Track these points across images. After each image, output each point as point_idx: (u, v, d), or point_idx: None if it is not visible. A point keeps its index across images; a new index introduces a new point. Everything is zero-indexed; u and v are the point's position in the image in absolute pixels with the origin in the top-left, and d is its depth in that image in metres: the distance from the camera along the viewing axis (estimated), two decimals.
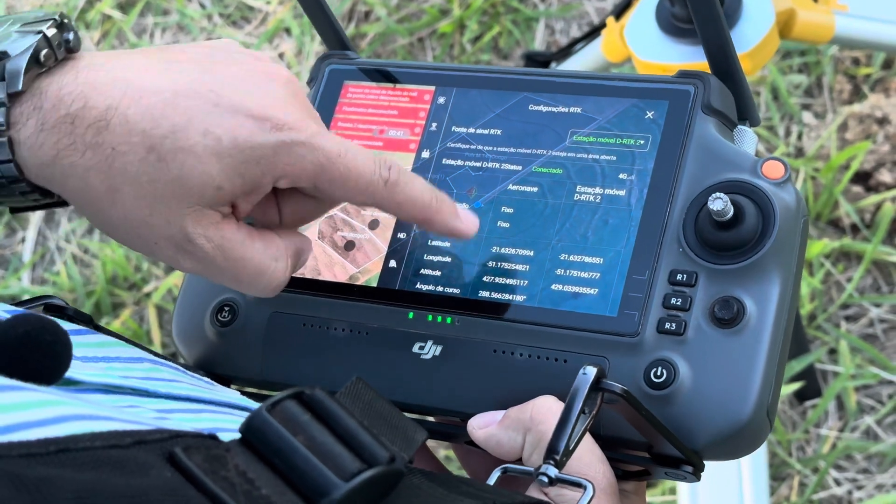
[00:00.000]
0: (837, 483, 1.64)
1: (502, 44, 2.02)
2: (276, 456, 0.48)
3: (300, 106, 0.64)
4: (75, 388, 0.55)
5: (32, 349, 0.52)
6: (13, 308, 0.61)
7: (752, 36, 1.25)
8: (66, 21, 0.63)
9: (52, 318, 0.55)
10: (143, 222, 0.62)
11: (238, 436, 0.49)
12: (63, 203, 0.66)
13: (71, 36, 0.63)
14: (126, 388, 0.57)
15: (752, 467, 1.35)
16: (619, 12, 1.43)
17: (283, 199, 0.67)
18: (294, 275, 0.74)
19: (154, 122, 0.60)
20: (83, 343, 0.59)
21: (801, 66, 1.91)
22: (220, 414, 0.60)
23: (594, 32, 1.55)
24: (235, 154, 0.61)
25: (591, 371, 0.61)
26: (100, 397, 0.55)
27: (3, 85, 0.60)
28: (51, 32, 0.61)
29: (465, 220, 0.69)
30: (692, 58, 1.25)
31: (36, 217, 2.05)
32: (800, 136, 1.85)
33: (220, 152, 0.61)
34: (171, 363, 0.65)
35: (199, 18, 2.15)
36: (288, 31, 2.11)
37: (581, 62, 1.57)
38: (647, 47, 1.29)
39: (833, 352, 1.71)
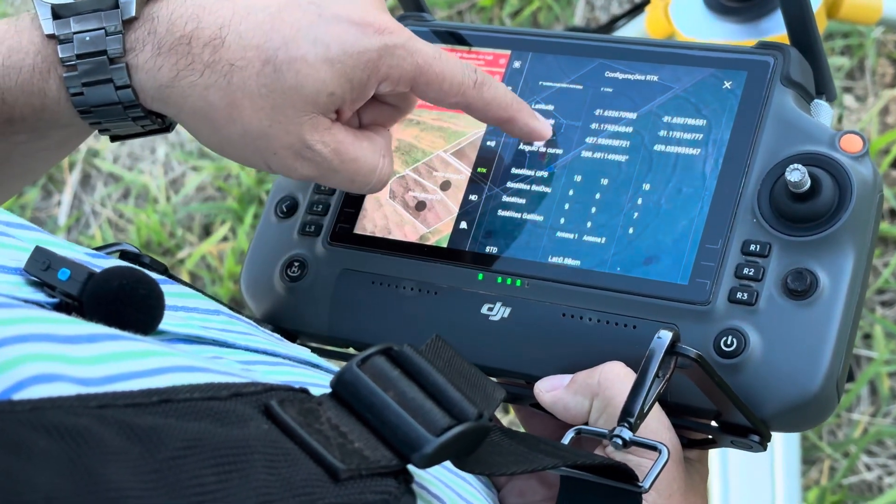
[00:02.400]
0: (868, 468, 1.63)
1: (542, 18, 2.01)
2: (367, 410, 0.48)
3: (388, 12, 0.67)
4: (161, 337, 0.55)
5: (127, 303, 0.52)
6: (94, 252, 0.61)
7: None
8: None
9: (134, 267, 0.55)
10: (262, 133, 0.64)
11: (326, 390, 0.50)
12: (166, 129, 0.68)
13: None
14: (207, 339, 0.57)
15: (784, 450, 1.35)
16: None
17: (363, 108, 0.70)
18: (364, 233, 0.75)
19: (266, 36, 0.63)
20: (165, 292, 0.60)
21: (844, 49, 1.90)
22: (296, 368, 0.61)
23: (638, 8, 1.55)
24: (344, 59, 0.64)
25: (667, 335, 0.61)
26: (185, 347, 0.56)
27: (118, 13, 0.63)
28: None
29: (543, 121, 0.73)
30: (737, 36, 1.24)
31: (72, 180, 2.05)
32: (840, 119, 1.85)
33: (330, 58, 0.64)
34: (243, 318, 0.65)
35: None
36: None
37: None
38: (692, 25, 1.29)
39: (868, 337, 1.70)
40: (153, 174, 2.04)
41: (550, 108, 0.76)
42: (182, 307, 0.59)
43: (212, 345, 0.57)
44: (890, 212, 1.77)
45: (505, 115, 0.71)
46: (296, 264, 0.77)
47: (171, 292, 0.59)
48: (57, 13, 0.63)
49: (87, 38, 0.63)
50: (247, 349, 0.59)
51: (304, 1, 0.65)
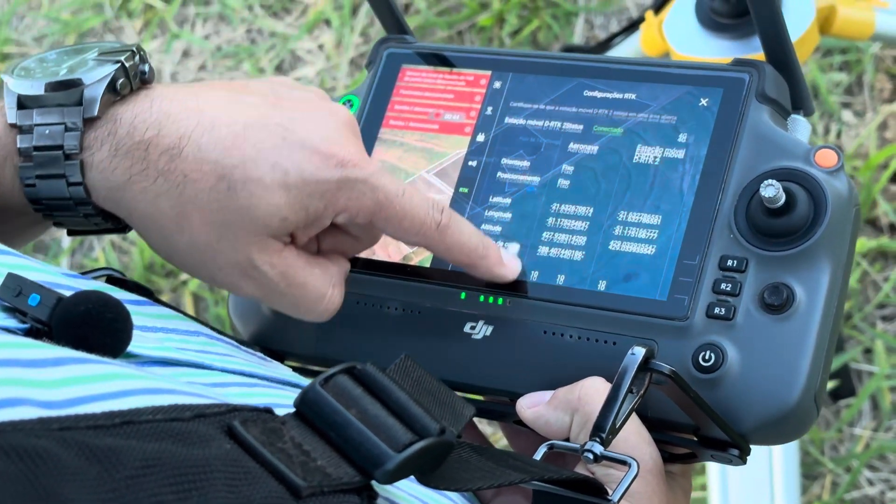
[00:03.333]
0: (870, 483, 1.63)
1: (541, 38, 2.02)
2: (330, 428, 0.49)
3: (360, 144, 0.67)
4: (134, 360, 0.56)
5: (94, 326, 0.53)
6: (75, 274, 0.62)
7: (792, 31, 1.24)
8: (142, 53, 0.65)
9: (115, 291, 0.56)
10: (209, 248, 0.64)
11: (292, 410, 0.50)
12: (121, 229, 0.67)
13: (146, 68, 0.65)
14: (183, 362, 0.58)
15: (783, 464, 1.35)
16: (658, 6, 1.43)
17: (323, 235, 0.69)
18: None
19: (225, 153, 0.63)
20: (142, 313, 0.60)
21: (842, 65, 1.91)
22: (273, 389, 0.61)
23: (633, 26, 1.56)
24: (302, 187, 0.63)
25: (640, 351, 0.61)
26: (158, 370, 0.56)
27: (80, 110, 0.62)
28: (129, 63, 0.64)
29: (510, 265, 0.72)
30: (731, 52, 1.25)
31: None
32: (839, 135, 1.85)
33: (287, 184, 0.63)
34: (226, 338, 0.66)
35: (241, 9, 2.16)
36: (328, 22, 2.12)
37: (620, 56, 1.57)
38: (686, 42, 1.29)
39: (868, 351, 1.70)
40: None
41: (525, 121, 0.77)
42: (161, 328, 0.60)
43: (187, 367, 0.58)
44: (890, 226, 1.77)
45: (467, 260, 0.70)
46: None
47: (151, 313, 0.60)
48: (22, 103, 0.63)
49: (47, 132, 0.62)
50: (223, 370, 0.59)
51: (273, 122, 0.64)
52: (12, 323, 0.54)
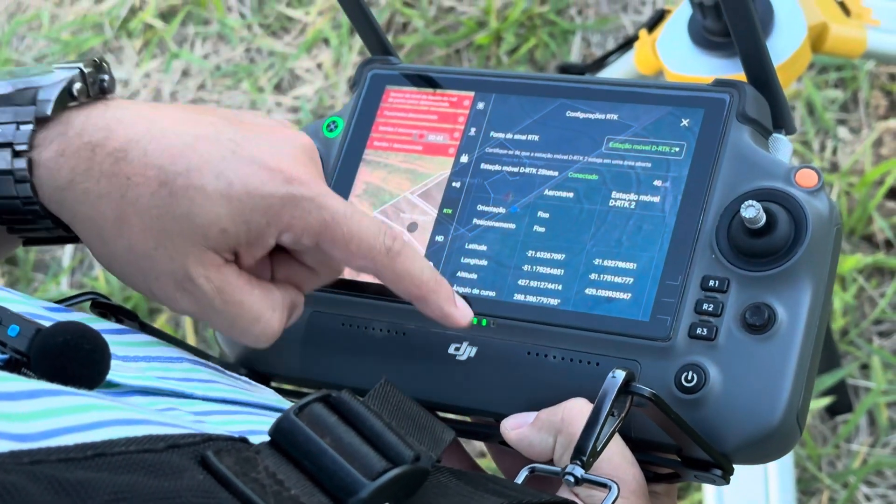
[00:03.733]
0: (868, 499, 1.63)
1: (538, 56, 2.03)
2: (304, 457, 0.49)
3: (314, 168, 0.66)
4: (115, 390, 0.56)
5: (71, 358, 0.53)
6: (58, 307, 0.62)
7: (784, 49, 1.26)
8: (104, 65, 0.65)
9: (96, 321, 0.56)
10: (146, 255, 0.63)
11: (268, 438, 0.50)
12: (72, 239, 0.67)
13: (106, 77, 0.65)
14: (164, 391, 0.58)
15: (779, 481, 1.35)
16: (652, 25, 1.44)
17: (277, 263, 0.68)
18: None
19: (172, 160, 0.62)
20: (123, 342, 0.61)
21: (837, 82, 1.91)
22: (255, 416, 0.62)
23: (627, 45, 1.56)
24: (245, 199, 0.62)
25: (620, 374, 0.62)
26: (138, 399, 0.57)
27: (33, 110, 0.62)
28: (87, 70, 0.64)
29: (461, 308, 0.70)
30: (723, 70, 1.25)
31: None
32: (835, 151, 1.86)
33: (229, 195, 0.62)
34: (210, 363, 0.66)
35: (240, 28, 2.17)
36: (326, 41, 2.13)
37: (614, 74, 1.58)
38: (679, 60, 1.30)
39: (865, 367, 1.71)
40: None
41: (512, 150, 0.77)
42: (143, 357, 0.60)
43: (168, 396, 0.58)
44: (886, 242, 1.77)
45: (417, 292, 0.68)
46: None
47: (132, 342, 0.60)
48: None
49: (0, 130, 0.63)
50: (205, 399, 0.60)
51: (225, 137, 0.64)
52: None
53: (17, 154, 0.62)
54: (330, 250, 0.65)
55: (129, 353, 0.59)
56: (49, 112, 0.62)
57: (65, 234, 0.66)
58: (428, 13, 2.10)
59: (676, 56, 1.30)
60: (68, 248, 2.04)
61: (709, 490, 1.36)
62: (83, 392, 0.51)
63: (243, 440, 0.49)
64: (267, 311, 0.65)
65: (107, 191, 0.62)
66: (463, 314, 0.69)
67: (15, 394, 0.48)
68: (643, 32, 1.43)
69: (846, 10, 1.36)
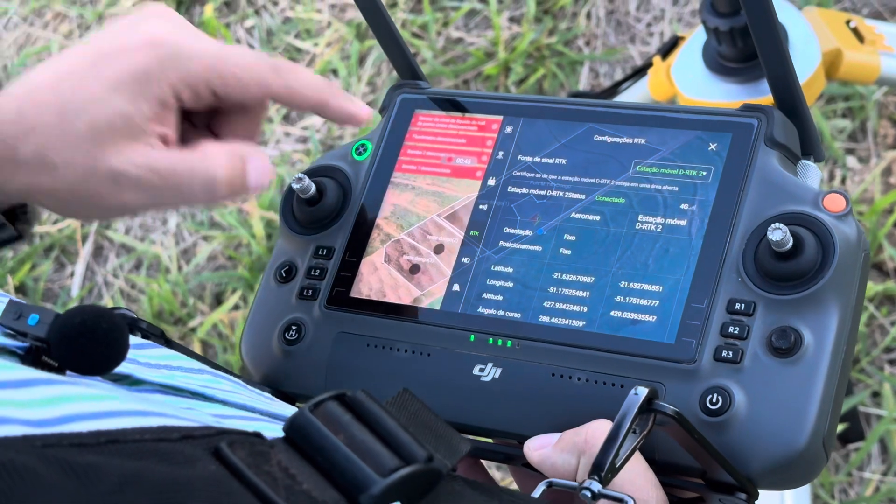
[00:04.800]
0: None
1: (547, 86, 2.03)
2: (317, 453, 0.49)
3: (176, 23, 0.70)
4: (138, 387, 0.56)
5: (90, 338, 0.53)
6: None
7: (798, 75, 1.26)
8: None
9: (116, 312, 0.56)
10: (80, 182, 0.66)
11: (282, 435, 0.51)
12: (18, 238, 0.71)
13: None
14: (185, 390, 0.58)
15: None
16: (666, 52, 1.45)
17: (215, 128, 0.72)
18: (360, 297, 0.76)
19: (57, 94, 0.66)
20: (148, 355, 0.61)
21: (846, 111, 1.92)
22: (274, 424, 0.62)
23: (641, 71, 1.57)
24: (128, 80, 0.66)
25: (643, 392, 0.62)
26: (160, 397, 0.57)
27: None
28: None
29: (358, 103, 0.73)
30: (738, 96, 1.26)
31: (85, 251, 2.07)
32: (843, 181, 1.86)
33: (115, 86, 0.66)
34: (232, 377, 0.66)
35: None
36: (335, 72, 2.13)
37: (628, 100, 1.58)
38: (694, 86, 1.30)
39: (876, 395, 1.70)
40: (164, 244, 2.06)
41: (539, 174, 0.78)
42: (165, 366, 0.61)
43: (190, 397, 0.58)
44: (895, 271, 1.77)
45: (316, 97, 0.71)
46: (293, 328, 0.78)
47: (157, 355, 0.61)
48: None
49: None
50: (225, 403, 0.60)
51: (89, 49, 0.68)
52: (11, 342, 0.55)
53: None
54: (224, 91, 0.69)
55: (150, 362, 0.59)
56: None
57: (12, 234, 0.71)
58: (436, 44, 2.11)
59: (691, 82, 1.31)
60: (77, 278, 2.05)
61: None
62: (100, 383, 0.51)
63: (257, 435, 0.49)
64: (198, 159, 0.68)
65: (25, 151, 0.66)
66: (361, 107, 0.73)
67: (30, 381, 0.48)
68: (657, 59, 1.43)
69: (860, 37, 1.37)
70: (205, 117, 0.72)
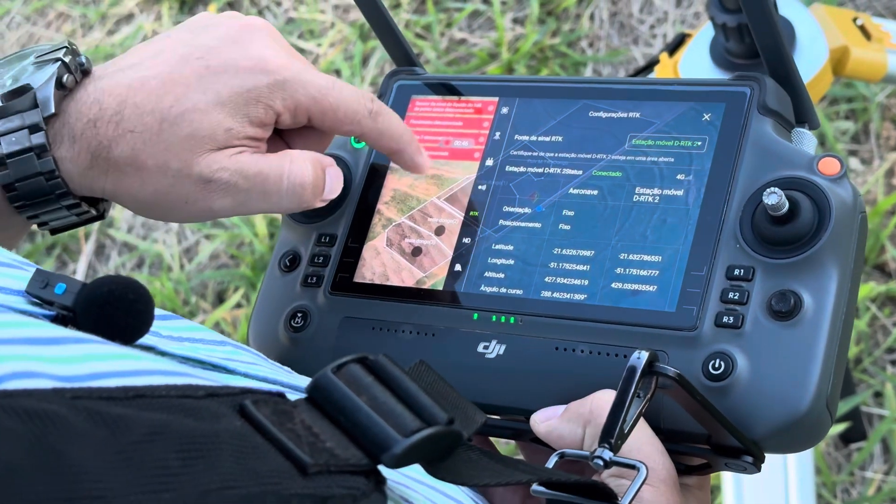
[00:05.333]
0: None
1: None
2: (339, 413, 0.49)
3: (282, 48, 0.72)
4: (168, 359, 0.57)
5: (116, 307, 0.54)
6: None
7: (805, 71, 1.26)
8: (74, 47, 0.70)
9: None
10: (169, 187, 0.69)
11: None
12: (100, 216, 0.72)
13: (84, 59, 0.70)
14: (208, 362, 0.58)
15: (799, 485, 1.34)
16: (673, 49, 1.45)
17: (290, 139, 0.75)
18: (363, 281, 0.77)
19: (159, 99, 0.68)
20: (170, 326, 0.61)
21: (848, 113, 1.92)
22: (296, 395, 0.62)
23: (648, 68, 1.57)
24: (236, 99, 0.69)
25: (644, 355, 0.62)
26: (184, 367, 0.57)
27: (38, 111, 0.67)
28: (67, 59, 0.69)
29: (426, 158, 0.78)
30: None
31: (87, 250, 2.07)
32: None
33: (221, 102, 0.69)
34: (252, 350, 0.67)
35: None
36: (338, 72, 2.14)
37: None
38: None
39: (878, 395, 1.70)
40: (167, 243, 2.06)
41: (536, 152, 0.78)
42: (188, 338, 0.61)
43: (212, 370, 0.58)
44: None
45: (396, 146, 0.76)
46: (299, 315, 0.79)
47: (179, 326, 0.61)
48: None
49: (13, 139, 0.67)
50: (247, 376, 0.60)
51: (193, 57, 0.70)
52: (38, 310, 0.55)
53: (39, 156, 0.67)
54: (321, 122, 0.73)
55: (173, 335, 0.60)
56: (53, 109, 0.67)
57: (95, 215, 0.72)
58: (440, 45, 2.11)
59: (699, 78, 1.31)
60: (79, 276, 2.05)
61: (727, 483, 1.34)
62: (128, 348, 0.52)
63: (280, 395, 0.50)
64: (287, 164, 0.71)
65: (120, 153, 0.68)
66: (427, 163, 0.78)
67: (60, 339, 0.48)
68: (664, 56, 1.43)
69: (867, 34, 1.37)
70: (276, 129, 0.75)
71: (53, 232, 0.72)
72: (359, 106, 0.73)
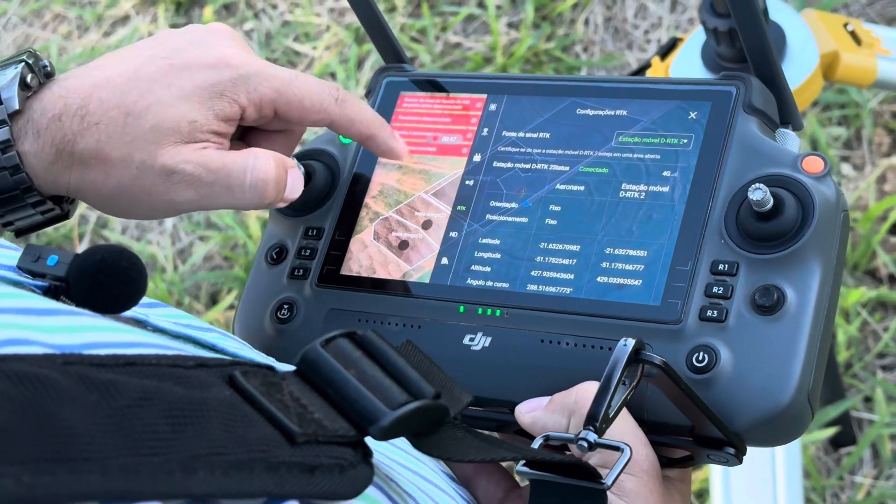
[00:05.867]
0: None
1: None
2: (328, 386, 0.50)
3: (243, 48, 0.74)
4: (159, 335, 0.57)
5: (109, 275, 0.54)
6: None
7: (796, 76, 1.27)
8: (37, 53, 0.72)
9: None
10: (133, 179, 0.70)
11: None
12: (65, 216, 0.73)
13: (47, 63, 0.71)
14: (200, 341, 0.59)
15: (787, 479, 1.35)
16: (665, 52, 1.45)
17: (254, 142, 0.76)
18: (350, 274, 0.77)
19: (124, 94, 0.70)
20: (158, 313, 0.62)
21: (841, 119, 1.93)
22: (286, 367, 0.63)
23: (639, 72, 1.58)
24: (200, 93, 0.71)
25: (631, 342, 0.62)
26: (176, 343, 0.58)
27: (2, 108, 0.69)
28: (30, 60, 0.70)
29: (400, 142, 0.79)
30: None
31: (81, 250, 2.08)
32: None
33: (185, 96, 0.70)
34: (238, 339, 0.67)
35: None
36: (333, 75, 2.14)
37: None
38: None
39: (868, 400, 1.71)
40: (161, 244, 2.06)
41: (524, 148, 0.79)
42: (174, 322, 0.61)
43: (204, 349, 0.59)
44: (889, 277, 1.78)
45: (367, 131, 0.77)
46: (285, 307, 0.79)
47: (169, 313, 0.62)
48: None
49: None
50: (235, 356, 0.60)
51: (158, 57, 0.71)
52: (30, 282, 0.55)
53: (3, 151, 0.68)
54: (287, 114, 0.74)
55: (161, 321, 0.60)
56: (17, 106, 0.68)
57: (59, 213, 0.73)
58: (434, 48, 2.12)
59: None
60: None
61: (716, 487, 1.34)
62: (120, 322, 0.52)
63: (269, 367, 0.50)
64: (251, 160, 0.72)
65: (85, 146, 0.69)
66: (402, 146, 0.79)
67: (52, 310, 0.49)
68: (656, 60, 1.44)
69: (857, 40, 1.38)
70: (241, 130, 0.76)
71: (19, 234, 0.73)
72: (324, 94, 0.74)
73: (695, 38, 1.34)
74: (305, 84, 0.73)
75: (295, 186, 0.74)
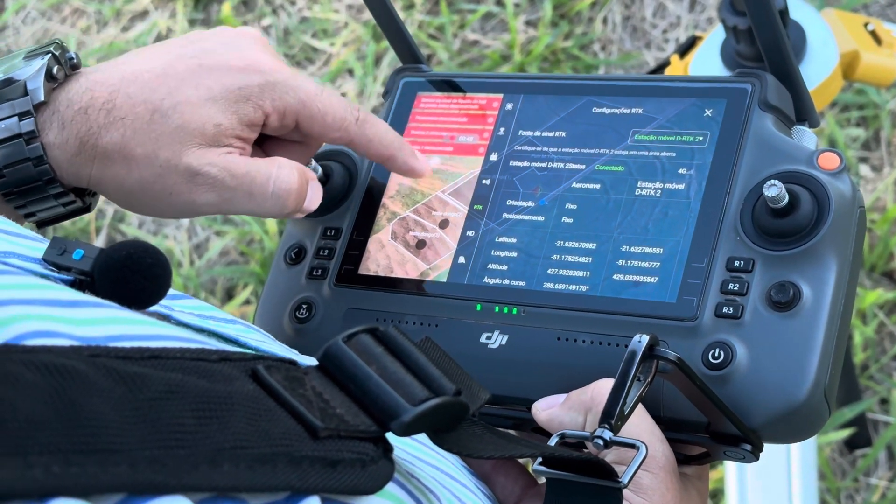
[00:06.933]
0: None
1: None
2: (350, 381, 0.50)
3: (273, 55, 0.74)
4: (183, 329, 0.57)
5: (134, 270, 0.55)
6: None
7: (816, 75, 1.27)
8: (64, 44, 0.72)
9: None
10: (156, 177, 0.70)
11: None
12: (86, 209, 0.73)
13: (73, 55, 0.71)
14: (221, 335, 0.59)
15: (802, 479, 1.34)
16: (684, 51, 1.45)
17: (271, 150, 0.76)
18: (368, 273, 0.78)
19: (152, 90, 0.70)
20: (182, 305, 0.62)
21: (859, 120, 1.93)
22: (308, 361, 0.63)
23: (658, 70, 1.58)
24: (227, 96, 0.71)
25: (645, 338, 0.62)
26: (199, 336, 0.58)
27: (28, 100, 0.69)
28: (57, 52, 0.70)
29: (422, 160, 0.78)
30: None
31: (98, 245, 2.08)
32: None
33: (213, 97, 0.70)
34: (262, 330, 0.68)
35: None
36: (351, 72, 2.15)
37: None
38: None
39: (885, 402, 1.70)
40: (177, 239, 2.07)
41: (540, 147, 0.79)
42: (198, 315, 0.62)
43: (225, 343, 0.59)
44: None
45: (386, 152, 0.76)
46: (304, 307, 0.80)
47: (191, 305, 0.62)
48: None
49: (3, 126, 0.68)
50: (257, 350, 0.61)
51: (188, 56, 0.72)
52: (55, 275, 0.56)
53: (28, 142, 0.68)
54: (309, 127, 0.74)
55: (185, 311, 0.60)
56: (43, 97, 0.68)
57: (81, 206, 0.73)
58: (452, 46, 2.12)
59: None
60: None
61: (731, 487, 1.34)
62: (144, 315, 0.52)
63: (292, 362, 0.50)
64: (274, 169, 0.72)
65: (110, 139, 0.69)
66: (423, 165, 0.78)
67: (78, 302, 0.49)
68: (675, 58, 1.44)
69: (878, 39, 1.38)
70: (259, 137, 0.76)
71: (41, 225, 0.73)
72: (346, 113, 0.74)
73: (714, 37, 1.33)
74: (330, 100, 0.74)
75: (314, 198, 0.74)
